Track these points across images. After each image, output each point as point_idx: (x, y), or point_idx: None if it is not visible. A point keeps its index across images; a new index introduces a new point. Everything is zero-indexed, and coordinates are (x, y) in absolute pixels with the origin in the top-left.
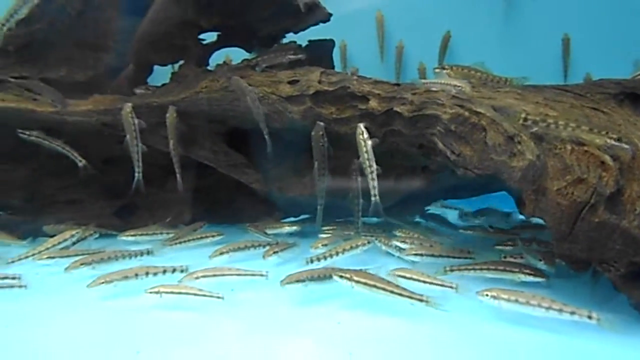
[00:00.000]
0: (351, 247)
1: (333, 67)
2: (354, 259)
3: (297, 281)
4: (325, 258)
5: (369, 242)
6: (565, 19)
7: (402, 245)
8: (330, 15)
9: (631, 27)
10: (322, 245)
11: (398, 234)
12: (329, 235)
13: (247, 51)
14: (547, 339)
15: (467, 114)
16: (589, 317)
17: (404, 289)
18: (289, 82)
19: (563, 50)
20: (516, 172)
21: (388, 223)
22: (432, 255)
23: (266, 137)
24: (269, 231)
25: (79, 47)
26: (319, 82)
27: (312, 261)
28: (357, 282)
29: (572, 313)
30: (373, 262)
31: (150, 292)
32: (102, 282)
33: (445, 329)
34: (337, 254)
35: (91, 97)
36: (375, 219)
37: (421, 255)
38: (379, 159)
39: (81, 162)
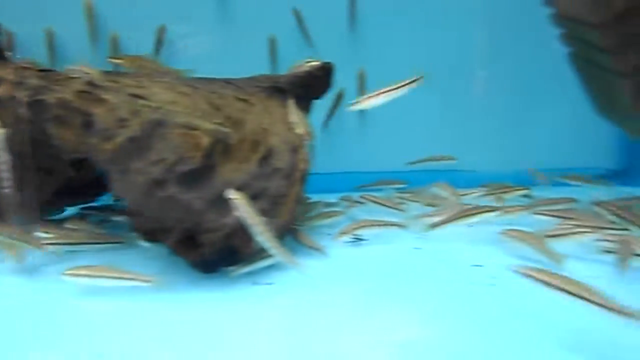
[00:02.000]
0: None
1: (3, 56)
2: None
3: None
4: None
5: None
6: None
7: (43, 235)
8: None
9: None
10: None
11: (68, 225)
12: None
13: None
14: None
15: (72, 99)
16: (146, 281)
17: None
18: None
19: (269, 49)
20: (106, 154)
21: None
22: (69, 244)
23: None
24: None
25: None
26: None
27: None
28: None
29: (133, 279)
30: None
31: None
32: None
33: None
34: None
35: None
36: None
37: (57, 244)
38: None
39: None
